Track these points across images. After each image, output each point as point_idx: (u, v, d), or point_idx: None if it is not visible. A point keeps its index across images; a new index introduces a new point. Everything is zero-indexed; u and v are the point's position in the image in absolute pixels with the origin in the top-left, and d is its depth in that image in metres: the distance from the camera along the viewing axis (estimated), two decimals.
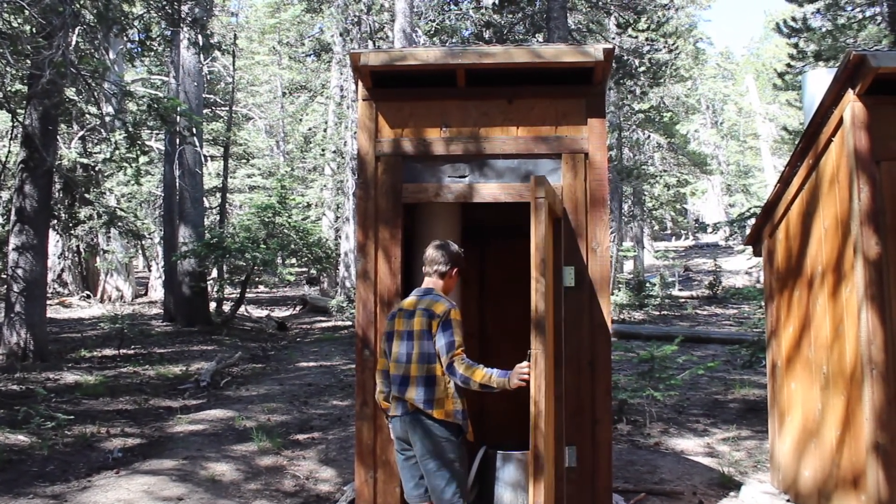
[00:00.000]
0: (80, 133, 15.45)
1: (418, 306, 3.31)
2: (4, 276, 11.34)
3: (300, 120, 27.18)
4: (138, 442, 6.19)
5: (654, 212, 30.45)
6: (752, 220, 8.07)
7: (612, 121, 20.16)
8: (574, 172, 3.81)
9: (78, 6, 8.72)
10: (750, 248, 5.31)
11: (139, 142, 11.36)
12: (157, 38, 12.92)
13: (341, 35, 20.42)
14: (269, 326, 15.90)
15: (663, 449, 6.05)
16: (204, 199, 17.67)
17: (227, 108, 20.68)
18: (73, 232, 15.68)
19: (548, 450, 3.50)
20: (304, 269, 23.98)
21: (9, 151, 12.26)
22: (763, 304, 5.43)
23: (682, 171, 29.96)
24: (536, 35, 15.65)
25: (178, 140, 14.47)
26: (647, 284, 20.44)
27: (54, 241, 17.99)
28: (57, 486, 4.97)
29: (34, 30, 9.23)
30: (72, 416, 6.77)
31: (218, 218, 19.43)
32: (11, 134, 12.57)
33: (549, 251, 3.70)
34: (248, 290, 16.28)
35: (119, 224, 15.15)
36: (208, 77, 22.39)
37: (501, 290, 5.25)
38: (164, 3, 10.60)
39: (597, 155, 3.82)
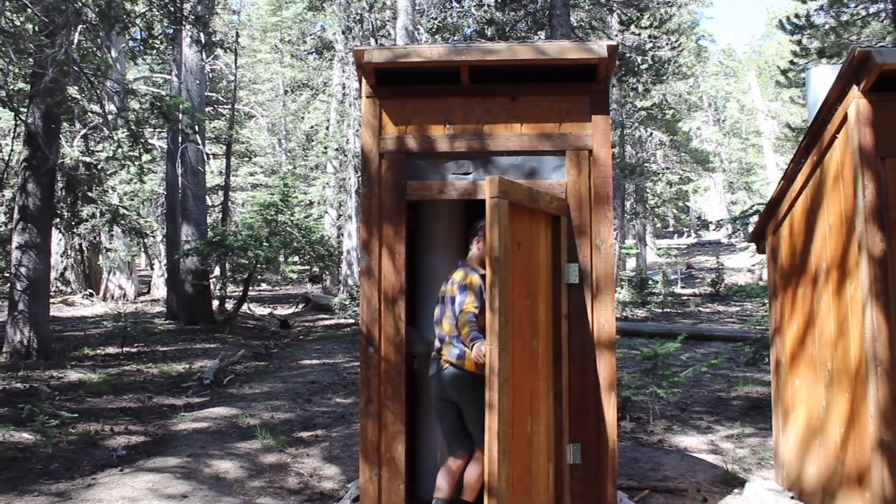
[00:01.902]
0: (83, 131, 15.46)
1: (452, 276, 3.90)
2: (7, 275, 11.36)
3: (302, 118, 27.22)
4: (142, 440, 6.21)
5: (656, 209, 30.47)
6: (755, 218, 8.06)
7: (614, 118, 20.14)
8: (578, 169, 3.81)
9: (80, 4, 8.72)
10: (753, 246, 5.29)
11: (142, 140, 11.35)
12: (160, 37, 12.89)
13: (343, 33, 20.40)
14: (272, 324, 15.92)
15: (667, 446, 6.05)
16: (206, 197, 17.68)
17: (230, 106, 20.70)
18: (75, 230, 15.71)
19: (539, 448, 3.51)
20: (307, 267, 24.00)
21: (12, 150, 12.29)
22: (766, 301, 5.42)
23: (685, 168, 29.95)
24: (539, 32, 15.63)
25: (180, 138, 14.45)
26: (650, 282, 20.42)
27: (57, 240, 18.02)
28: (61, 484, 4.98)
29: (37, 28, 9.23)
30: (76, 415, 6.79)
31: (220, 216, 19.46)
32: (14, 132, 12.57)
33: (550, 254, 3.70)
34: (250, 288, 16.32)
35: (122, 222, 15.16)
36: (210, 75, 22.38)
37: None
38: (167, 1, 10.60)
39: (601, 152, 3.82)
